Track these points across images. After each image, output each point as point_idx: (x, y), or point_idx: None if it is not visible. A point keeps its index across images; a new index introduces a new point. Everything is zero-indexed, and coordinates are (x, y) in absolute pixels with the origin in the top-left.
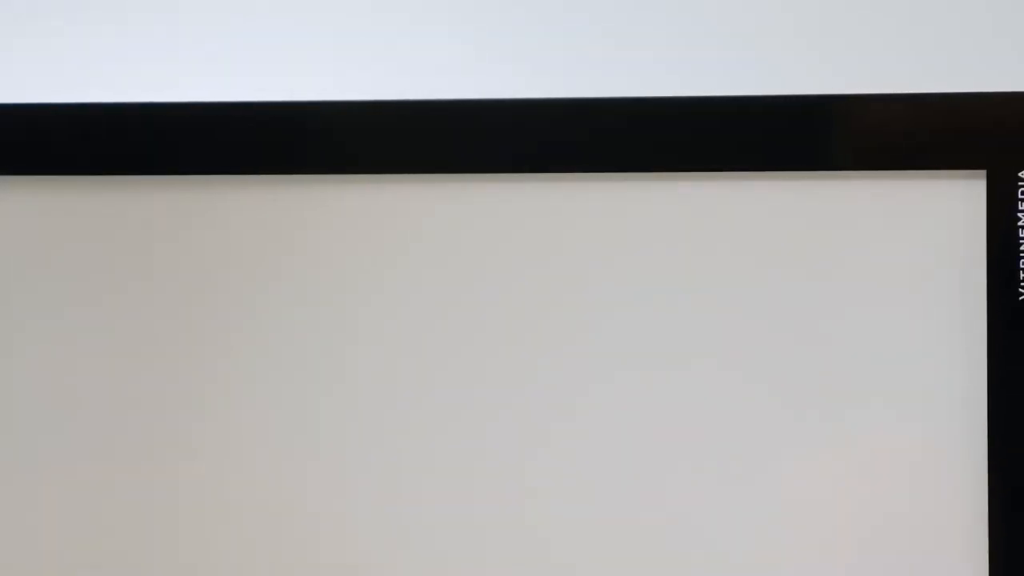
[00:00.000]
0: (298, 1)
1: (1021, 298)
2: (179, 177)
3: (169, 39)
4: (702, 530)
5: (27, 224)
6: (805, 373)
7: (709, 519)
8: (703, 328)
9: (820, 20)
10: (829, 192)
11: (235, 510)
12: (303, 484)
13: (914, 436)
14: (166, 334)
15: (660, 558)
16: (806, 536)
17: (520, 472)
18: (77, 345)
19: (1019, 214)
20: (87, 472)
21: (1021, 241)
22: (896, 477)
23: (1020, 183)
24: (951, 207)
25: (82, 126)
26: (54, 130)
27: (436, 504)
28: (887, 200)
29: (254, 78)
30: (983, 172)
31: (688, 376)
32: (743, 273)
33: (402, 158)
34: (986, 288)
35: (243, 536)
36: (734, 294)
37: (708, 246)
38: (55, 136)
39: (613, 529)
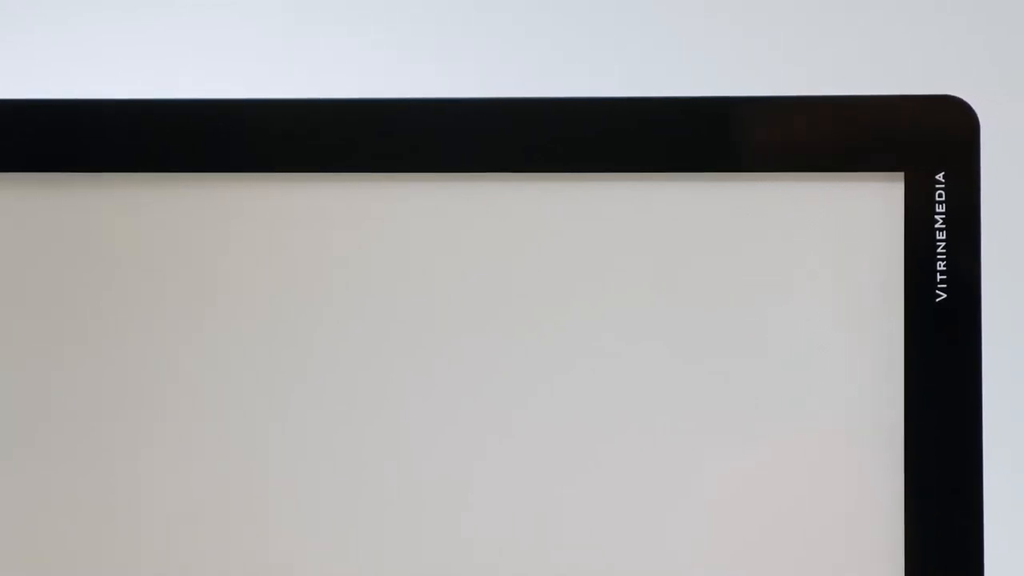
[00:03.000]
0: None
1: (938, 300)
2: (163, 175)
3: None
4: (621, 532)
5: None
6: (721, 374)
7: (625, 523)
8: (613, 329)
9: (740, 22)
10: (746, 194)
11: (190, 511)
12: (252, 480)
13: (831, 439)
14: (118, 331)
15: (579, 558)
16: (722, 537)
17: (459, 472)
18: (29, 343)
19: (937, 216)
20: (45, 470)
21: (939, 243)
22: (812, 481)
23: (938, 185)
24: (869, 209)
25: (22, 122)
26: None
27: (400, 499)
28: (805, 202)
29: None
30: (901, 175)
31: (597, 381)
32: (658, 274)
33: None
34: (904, 290)
35: (201, 537)
36: (649, 295)
37: (622, 247)
38: None
39: (533, 529)
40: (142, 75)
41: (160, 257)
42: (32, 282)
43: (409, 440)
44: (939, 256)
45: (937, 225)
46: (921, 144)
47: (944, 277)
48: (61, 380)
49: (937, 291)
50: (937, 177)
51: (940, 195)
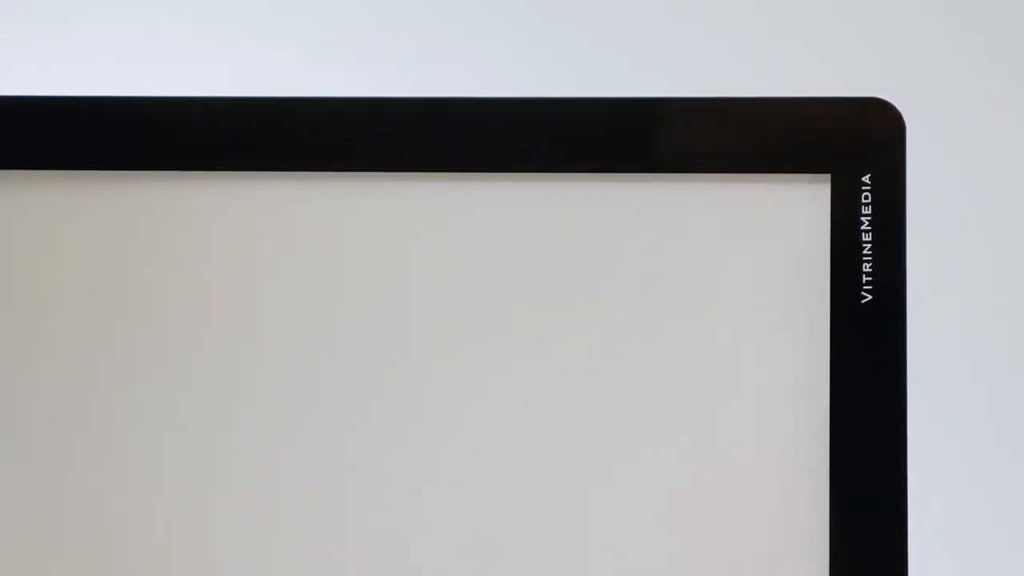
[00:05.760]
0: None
1: (864, 301)
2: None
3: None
4: (545, 535)
5: None
6: (646, 374)
7: (550, 524)
8: (543, 331)
9: (668, 24)
10: (672, 195)
11: (159, 512)
12: (219, 481)
13: (756, 439)
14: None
15: (500, 557)
16: (647, 538)
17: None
18: None
19: (863, 218)
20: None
21: (865, 245)
22: (736, 481)
23: (864, 187)
24: (796, 210)
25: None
26: None
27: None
28: (732, 203)
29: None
30: (827, 176)
31: (524, 378)
32: (587, 275)
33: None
34: (829, 291)
35: (164, 541)
36: (577, 296)
37: (553, 248)
38: None
39: (460, 528)
40: (140, 74)
41: (155, 256)
42: (20, 280)
43: (390, 434)
44: (865, 257)
45: (863, 227)
46: (847, 146)
47: (870, 278)
48: (33, 380)
49: (863, 292)
50: (863, 179)
51: (866, 197)
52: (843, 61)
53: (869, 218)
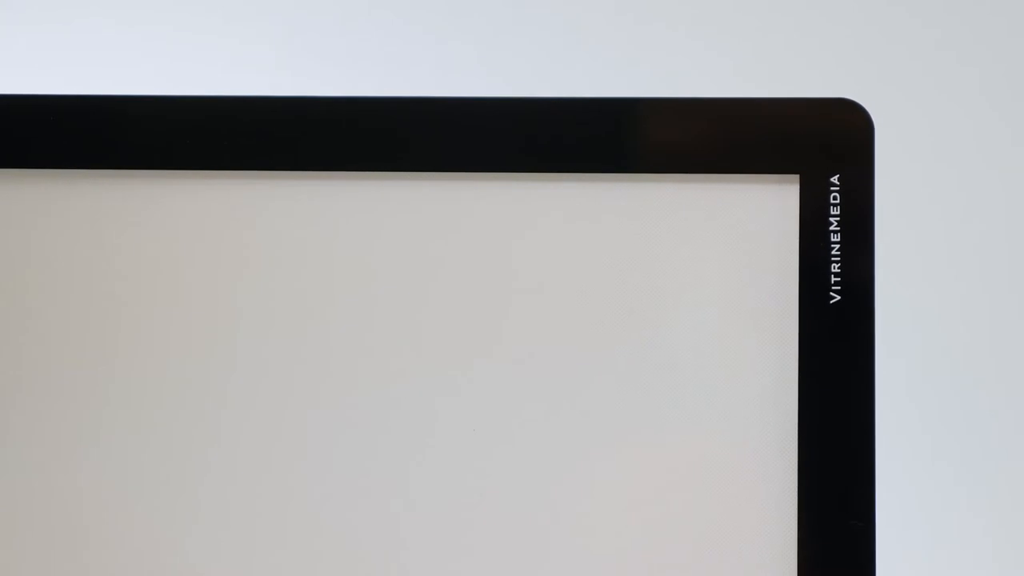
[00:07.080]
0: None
1: (832, 301)
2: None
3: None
4: (514, 528)
5: None
6: (614, 375)
7: (520, 518)
8: (519, 329)
9: (639, 23)
10: (642, 194)
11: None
12: (157, 483)
13: (725, 438)
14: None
15: (474, 553)
16: (614, 534)
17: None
18: None
19: (831, 218)
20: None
21: (833, 245)
22: (705, 481)
23: (833, 188)
24: (764, 211)
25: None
26: None
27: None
28: (701, 203)
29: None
30: (796, 176)
31: (500, 376)
32: (560, 274)
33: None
34: (798, 291)
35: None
36: (551, 294)
37: (526, 247)
38: None
39: (432, 526)
40: (140, 72)
41: (141, 255)
42: (10, 279)
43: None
44: (833, 258)
45: (832, 227)
46: (816, 146)
47: (838, 279)
48: (17, 380)
49: (831, 292)
50: (832, 179)
51: (835, 197)
52: (813, 61)
53: (838, 218)
